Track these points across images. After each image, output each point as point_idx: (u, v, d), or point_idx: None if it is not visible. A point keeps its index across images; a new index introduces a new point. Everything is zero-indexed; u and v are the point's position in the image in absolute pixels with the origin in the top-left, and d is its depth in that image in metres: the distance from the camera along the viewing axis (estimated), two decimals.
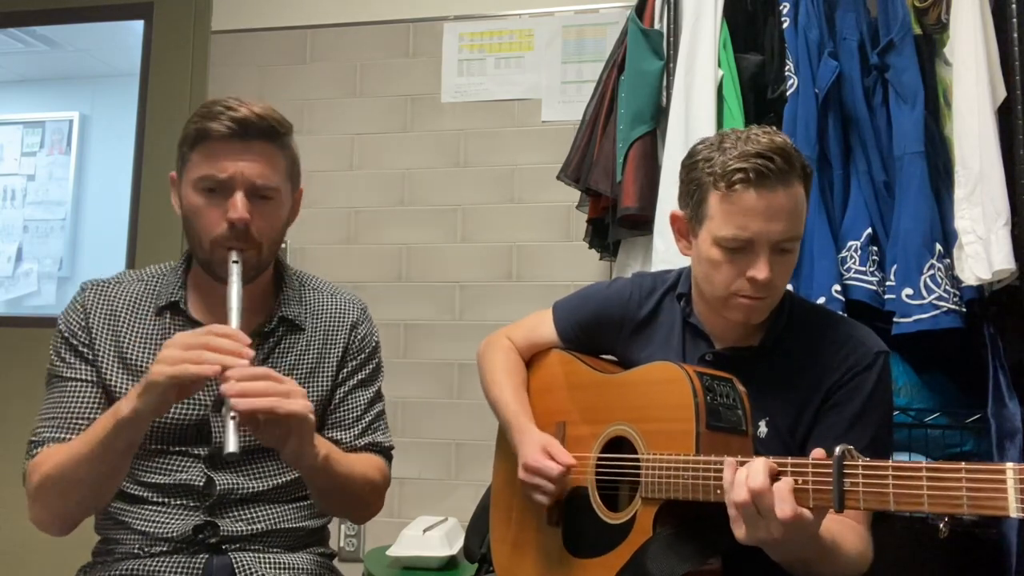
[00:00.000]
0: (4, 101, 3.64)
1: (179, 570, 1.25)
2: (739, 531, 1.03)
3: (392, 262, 2.73)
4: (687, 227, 1.29)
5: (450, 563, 2.19)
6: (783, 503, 0.98)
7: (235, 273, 1.22)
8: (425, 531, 2.23)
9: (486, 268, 2.67)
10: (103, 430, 1.14)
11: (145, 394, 1.10)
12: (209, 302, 1.35)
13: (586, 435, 1.34)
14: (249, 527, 1.30)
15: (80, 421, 1.25)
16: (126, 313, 1.34)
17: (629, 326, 1.42)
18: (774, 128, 1.24)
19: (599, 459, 1.30)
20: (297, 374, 1.36)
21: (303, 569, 1.33)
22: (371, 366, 1.45)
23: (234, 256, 1.24)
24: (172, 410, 1.27)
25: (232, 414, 1.08)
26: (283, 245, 2.80)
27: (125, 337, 1.32)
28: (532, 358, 1.53)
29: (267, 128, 1.26)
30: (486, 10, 2.74)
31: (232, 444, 1.07)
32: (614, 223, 2.14)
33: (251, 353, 1.12)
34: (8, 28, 3.24)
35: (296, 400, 1.12)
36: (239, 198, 1.24)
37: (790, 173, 1.19)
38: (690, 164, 1.27)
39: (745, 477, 1.01)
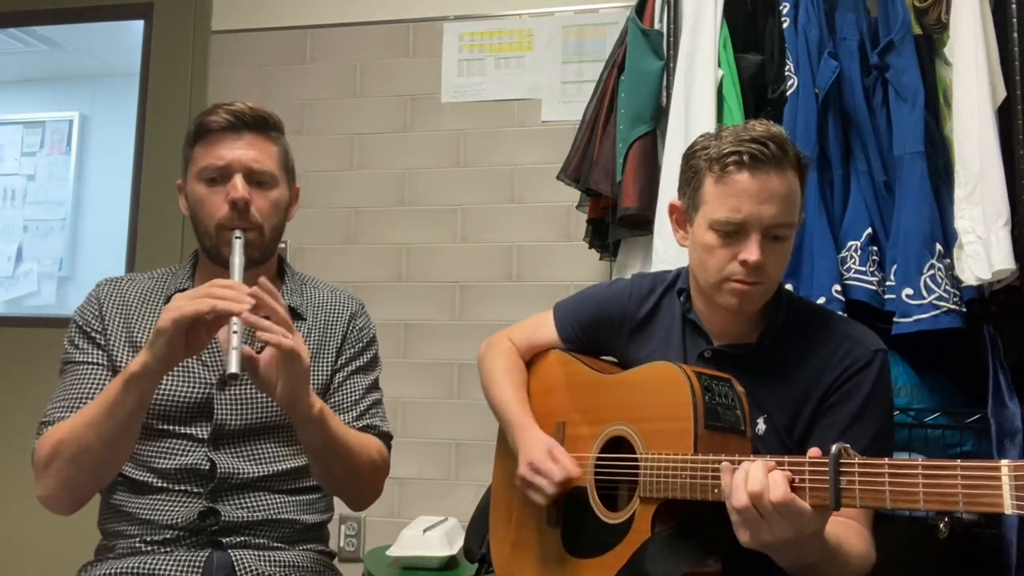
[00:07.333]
0: (4, 101, 3.63)
1: (180, 566, 1.26)
2: (743, 535, 1.03)
3: (392, 262, 2.73)
4: (684, 216, 1.32)
5: (450, 563, 2.19)
6: (776, 487, 0.98)
7: (238, 245, 1.31)
8: (425, 531, 2.23)
9: (486, 268, 2.67)
10: (114, 390, 1.20)
11: (153, 344, 1.16)
12: None
13: (585, 435, 1.34)
14: (250, 515, 1.32)
15: (90, 401, 1.27)
16: (138, 305, 1.41)
17: (629, 326, 1.43)
18: (772, 121, 1.27)
19: (598, 459, 1.30)
20: None
21: (303, 567, 1.35)
22: (368, 355, 1.50)
23: (237, 233, 1.32)
24: (176, 387, 1.32)
25: (235, 329, 1.14)
26: (283, 244, 2.80)
27: (136, 325, 1.39)
28: (532, 359, 1.54)
29: (258, 119, 1.38)
30: (486, 10, 2.74)
31: (235, 365, 1.12)
32: (614, 223, 2.14)
33: (251, 301, 1.17)
34: (8, 28, 3.24)
35: (297, 338, 1.18)
36: (238, 179, 1.34)
37: (784, 160, 1.22)
38: (689, 154, 1.31)
39: (744, 481, 1.01)
